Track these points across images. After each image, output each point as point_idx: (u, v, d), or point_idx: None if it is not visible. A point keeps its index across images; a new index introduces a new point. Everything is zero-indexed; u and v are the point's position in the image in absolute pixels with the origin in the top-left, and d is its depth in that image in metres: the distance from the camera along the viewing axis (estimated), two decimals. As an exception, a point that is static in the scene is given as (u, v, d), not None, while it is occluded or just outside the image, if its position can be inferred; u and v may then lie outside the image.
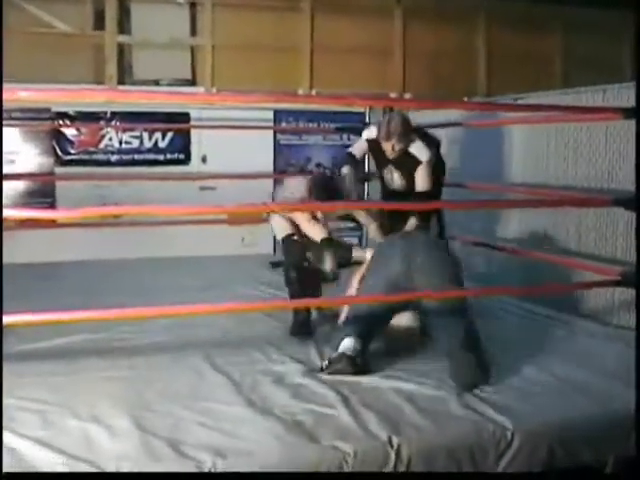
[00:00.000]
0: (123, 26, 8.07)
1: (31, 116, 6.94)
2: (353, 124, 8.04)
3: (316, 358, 4.37)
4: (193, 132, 7.97)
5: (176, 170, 7.98)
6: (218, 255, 7.55)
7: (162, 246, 7.63)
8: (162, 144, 7.94)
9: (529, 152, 6.22)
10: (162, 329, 4.76)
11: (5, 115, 7.27)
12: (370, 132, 5.43)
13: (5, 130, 7.43)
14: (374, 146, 5.36)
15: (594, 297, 5.36)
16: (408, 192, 5.27)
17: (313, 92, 8.16)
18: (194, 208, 5.19)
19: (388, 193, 5.50)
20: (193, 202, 7.64)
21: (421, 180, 5.20)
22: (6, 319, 3.05)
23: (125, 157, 7.83)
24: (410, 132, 5.24)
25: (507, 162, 6.47)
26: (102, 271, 6.43)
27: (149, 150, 7.88)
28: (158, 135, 7.86)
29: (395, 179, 5.37)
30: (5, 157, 7.50)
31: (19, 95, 3.00)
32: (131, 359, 4.32)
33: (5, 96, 2.96)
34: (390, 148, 5.18)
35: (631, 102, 4.17)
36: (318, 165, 8.23)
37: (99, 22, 7.95)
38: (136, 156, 7.87)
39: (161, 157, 7.95)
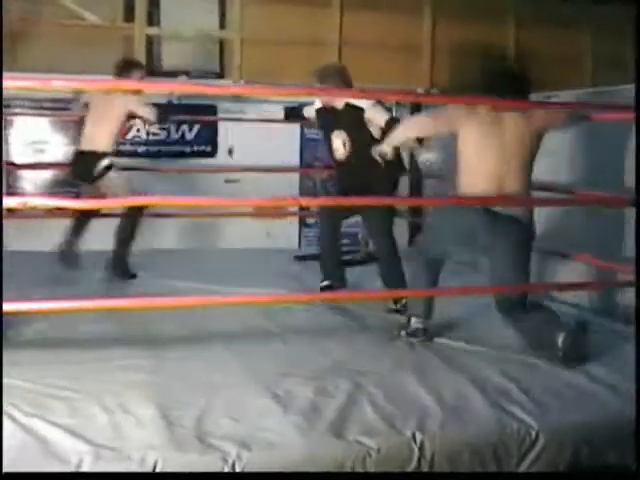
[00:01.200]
0: (152, 18, 8.11)
1: (61, 106, 6.94)
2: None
3: (343, 352, 4.38)
4: (220, 124, 7.97)
5: (203, 162, 8.00)
6: (242, 248, 7.57)
7: (186, 237, 7.68)
8: (189, 136, 7.95)
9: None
10: (185, 319, 4.77)
11: (35, 104, 7.34)
12: (314, 104, 5.56)
13: (35, 119, 7.50)
14: (322, 113, 5.44)
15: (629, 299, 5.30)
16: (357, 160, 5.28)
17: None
18: (219, 200, 5.23)
19: (338, 163, 5.49)
20: (218, 194, 7.68)
21: (379, 115, 5.17)
22: (6, 307, 3.08)
23: (152, 149, 7.86)
24: (349, 83, 5.31)
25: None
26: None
27: (176, 142, 7.90)
28: (185, 127, 7.86)
29: (342, 144, 5.35)
30: (34, 146, 7.59)
31: (53, 84, 3.03)
32: (155, 349, 4.34)
33: (40, 85, 3.01)
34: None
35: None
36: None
37: (129, 14, 7.99)
38: (163, 148, 7.88)
39: (188, 149, 7.97)
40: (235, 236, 7.81)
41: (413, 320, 4.64)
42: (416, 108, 7.87)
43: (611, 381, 3.98)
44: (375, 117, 5.14)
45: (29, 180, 7.64)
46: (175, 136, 7.88)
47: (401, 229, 8.21)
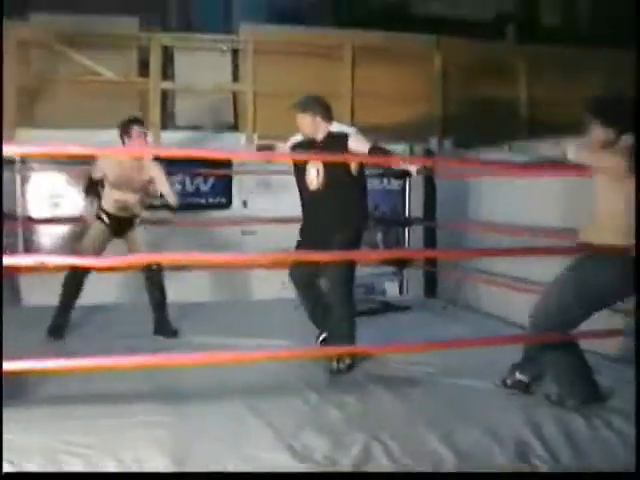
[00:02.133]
0: (167, 72, 8.24)
1: (80, 161, 7.00)
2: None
3: (358, 404, 4.37)
4: (235, 176, 8.04)
5: (218, 214, 8.06)
6: (258, 299, 7.61)
7: (202, 290, 7.69)
8: (204, 188, 8.02)
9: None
10: (203, 373, 4.76)
11: (53, 160, 7.43)
12: (289, 141, 5.48)
13: (50, 175, 7.60)
14: (298, 148, 5.38)
15: None
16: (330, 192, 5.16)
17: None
18: (236, 256, 5.25)
19: (309, 194, 5.31)
20: (235, 246, 7.74)
21: (362, 143, 5.06)
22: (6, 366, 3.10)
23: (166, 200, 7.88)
24: (330, 112, 5.26)
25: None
26: (142, 314, 6.44)
27: (192, 194, 7.96)
28: (200, 179, 7.93)
29: (316, 174, 5.20)
30: (49, 200, 7.68)
31: (69, 149, 3.08)
32: (173, 404, 4.35)
33: (56, 150, 3.07)
34: (310, 122, 5.18)
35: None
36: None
37: (143, 69, 8.12)
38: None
39: (203, 201, 8.03)
40: (251, 287, 7.85)
41: (517, 373, 4.53)
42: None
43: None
44: (358, 146, 5.07)
45: (46, 234, 7.71)
46: (190, 188, 7.94)
47: (417, 279, 8.28)
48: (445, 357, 5.01)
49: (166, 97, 8.25)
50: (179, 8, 9.04)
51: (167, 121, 8.22)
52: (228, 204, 8.11)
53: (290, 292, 5.54)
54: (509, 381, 4.55)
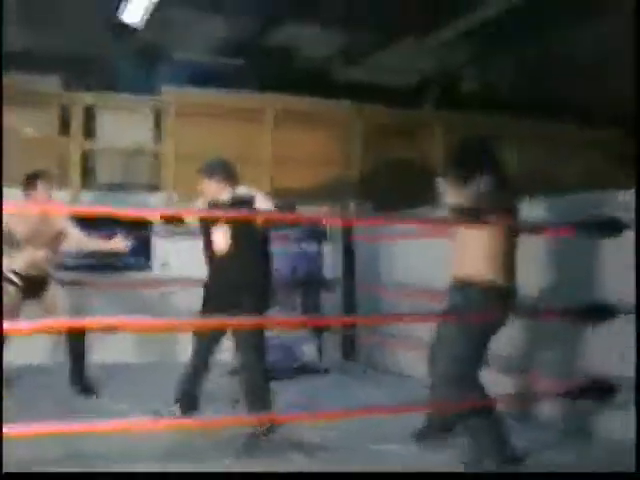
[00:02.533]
0: (88, 131, 8.21)
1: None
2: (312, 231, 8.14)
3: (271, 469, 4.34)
4: (154, 237, 7.98)
5: (137, 275, 7.98)
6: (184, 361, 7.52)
7: (119, 352, 7.54)
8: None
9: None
10: (116, 439, 4.66)
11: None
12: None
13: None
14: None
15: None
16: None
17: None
18: (158, 322, 5.20)
19: (215, 258, 5.26)
20: (154, 307, 7.65)
21: (266, 205, 5.11)
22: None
23: (83, 262, 7.77)
24: (234, 175, 5.29)
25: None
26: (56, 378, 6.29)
27: (109, 255, 7.85)
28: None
29: (223, 237, 5.17)
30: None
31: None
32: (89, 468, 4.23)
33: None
34: (214, 187, 5.20)
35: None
36: (276, 270, 8.23)
37: (65, 127, 8.08)
38: (95, 261, 7.82)
39: (121, 262, 7.94)
40: (177, 348, 7.75)
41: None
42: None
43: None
44: (264, 207, 5.11)
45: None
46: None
47: (335, 342, 8.28)
48: (362, 421, 5.02)
49: (87, 156, 8.21)
50: (102, 68, 9.03)
51: (87, 180, 8.17)
52: (147, 265, 8.05)
53: (224, 355, 5.46)
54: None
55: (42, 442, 4.37)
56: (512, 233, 4.32)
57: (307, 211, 7.50)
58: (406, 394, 6.14)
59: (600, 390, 4.61)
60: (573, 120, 8.81)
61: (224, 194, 5.23)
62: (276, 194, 8.30)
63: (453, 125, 9.21)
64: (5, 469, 3.86)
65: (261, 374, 5.19)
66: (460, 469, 4.20)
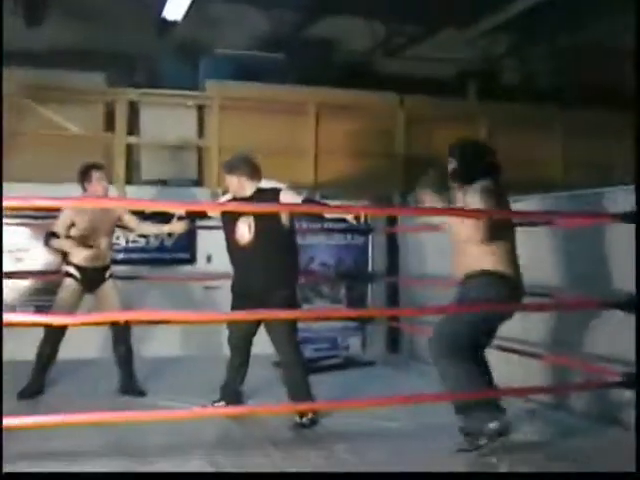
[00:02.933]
0: (132, 127, 8.30)
1: (43, 215, 6.96)
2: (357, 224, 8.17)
3: (319, 463, 4.37)
4: (199, 231, 8.02)
5: (182, 269, 8.06)
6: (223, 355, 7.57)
7: (166, 344, 7.64)
8: (168, 243, 8.01)
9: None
10: (165, 430, 4.73)
11: (17, 214, 7.40)
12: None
13: (15, 229, 7.52)
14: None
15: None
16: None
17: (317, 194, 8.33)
18: (198, 315, 5.25)
19: (239, 249, 5.26)
20: (198, 301, 7.73)
21: (293, 198, 5.14)
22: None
23: (132, 256, 7.90)
24: (257, 171, 5.32)
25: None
26: (109, 368, 6.38)
27: (155, 249, 7.96)
28: (164, 235, 7.86)
29: (247, 228, 5.20)
30: (12, 255, 7.61)
31: (35, 203, 3.10)
32: (136, 461, 4.29)
33: (22, 203, 3.09)
34: (236, 182, 5.25)
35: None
36: (322, 264, 8.27)
37: (109, 123, 8.18)
38: (143, 255, 7.94)
39: (167, 256, 8.04)
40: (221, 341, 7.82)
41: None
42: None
43: None
44: (289, 200, 5.14)
45: (8, 289, 7.64)
46: (155, 243, 7.93)
47: (380, 334, 8.29)
48: (410, 412, 5.04)
49: (131, 152, 8.30)
50: (146, 64, 9.13)
51: (132, 176, 8.27)
52: (192, 260, 8.12)
53: (265, 348, 5.50)
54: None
55: (90, 433, 4.48)
56: (510, 230, 4.55)
57: (350, 203, 7.54)
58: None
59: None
60: (616, 108, 8.70)
61: (247, 189, 5.28)
62: (319, 186, 8.40)
63: (497, 116, 9.18)
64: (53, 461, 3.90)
65: (299, 367, 5.26)
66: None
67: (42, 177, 7.23)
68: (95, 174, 6.00)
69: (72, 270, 6.03)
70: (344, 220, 6.77)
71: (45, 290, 7.35)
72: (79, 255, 6.01)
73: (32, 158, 7.65)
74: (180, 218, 5.95)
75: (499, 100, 9.57)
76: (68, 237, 6.01)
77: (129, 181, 8.16)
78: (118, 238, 7.67)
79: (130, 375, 6.13)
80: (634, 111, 5.64)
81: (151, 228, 6.37)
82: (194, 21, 8.92)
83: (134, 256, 7.94)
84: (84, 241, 6.00)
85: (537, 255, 5.59)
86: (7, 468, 3.98)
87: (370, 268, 8.32)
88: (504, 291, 4.44)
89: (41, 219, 7.02)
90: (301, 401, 5.08)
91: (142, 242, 7.86)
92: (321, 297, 8.14)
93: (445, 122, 8.91)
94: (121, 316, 5.72)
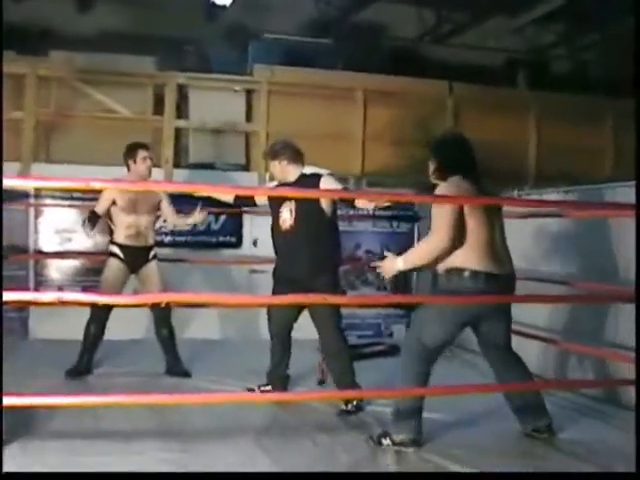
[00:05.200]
0: (181, 111, 8.35)
1: (91, 197, 7.04)
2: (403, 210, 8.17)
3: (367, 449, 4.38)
4: (245, 215, 8.08)
5: (228, 253, 8.11)
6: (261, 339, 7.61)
7: (211, 327, 7.71)
8: (215, 227, 8.07)
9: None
10: (212, 413, 4.77)
11: (66, 195, 7.52)
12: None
13: (64, 210, 7.65)
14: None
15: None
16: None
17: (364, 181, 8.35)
18: (245, 298, 5.26)
19: (282, 234, 5.29)
20: (244, 285, 7.77)
21: (333, 185, 5.15)
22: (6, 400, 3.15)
23: (178, 239, 7.97)
24: (299, 156, 5.34)
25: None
26: (154, 349, 6.44)
27: (202, 233, 8.01)
28: (211, 218, 7.93)
29: (289, 213, 5.21)
30: (62, 235, 7.74)
31: (91, 185, 3.14)
32: (183, 442, 4.33)
33: (79, 185, 3.13)
34: (279, 168, 5.28)
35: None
36: (368, 252, 8.28)
37: (159, 107, 8.23)
38: (189, 238, 8.00)
39: (214, 240, 8.10)
40: (260, 325, 7.85)
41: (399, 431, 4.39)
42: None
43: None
44: (329, 186, 5.14)
45: (56, 268, 7.77)
46: (201, 227, 7.96)
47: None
48: (455, 401, 5.02)
49: (179, 135, 8.35)
50: (195, 48, 9.17)
51: (180, 159, 8.32)
52: (238, 243, 8.16)
53: (303, 333, 5.52)
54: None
55: (136, 415, 4.56)
56: (495, 224, 4.46)
57: (397, 190, 7.50)
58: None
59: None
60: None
61: (290, 174, 5.29)
62: (366, 174, 8.39)
63: (546, 105, 9.09)
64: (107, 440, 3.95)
65: (344, 354, 5.26)
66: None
67: (93, 159, 7.31)
68: (141, 153, 6.05)
69: (115, 249, 6.11)
70: (390, 207, 6.76)
71: (93, 271, 7.43)
72: (119, 234, 6.08)
73: (83, 141, 7.75)
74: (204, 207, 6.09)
75: (549, 89, 9.47)
76: (109, 217, 6.10)
77: (177, 164, 8.21)
78: (165, 221, 7.72)
79: (175, 357, 6.19)
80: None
81: (178, 220, 6.38)
82: (243, 6, 8.96)
83: (181, 239, 8.00)
84: (125, 219, 6.06)
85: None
86: (57, 445, 4.07)
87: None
88: (475, 288, 4.30)
89: (89, 201, 7.10)
90: (346, 388, 5.10)
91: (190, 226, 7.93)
92: (367, 284, 8.16)
93: (494, 111, 8.86)
94: (163, 297, 5.75)
